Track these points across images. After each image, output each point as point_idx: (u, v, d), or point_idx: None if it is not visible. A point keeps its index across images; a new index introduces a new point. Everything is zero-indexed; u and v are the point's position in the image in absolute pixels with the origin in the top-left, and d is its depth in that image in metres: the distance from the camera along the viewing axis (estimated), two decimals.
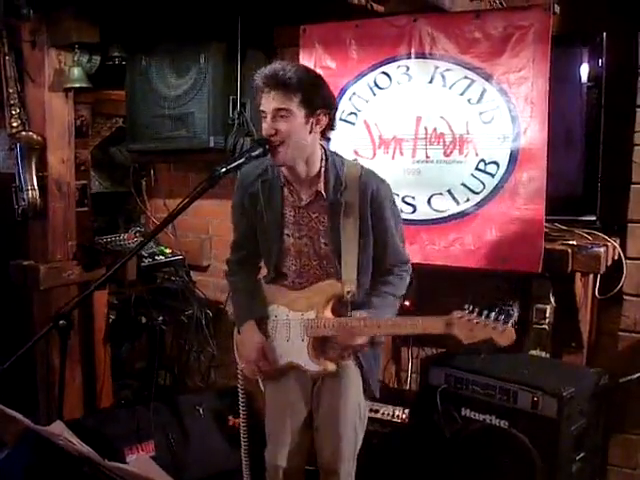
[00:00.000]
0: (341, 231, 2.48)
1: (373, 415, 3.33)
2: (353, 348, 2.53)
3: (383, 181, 2.54)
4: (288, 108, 2.32)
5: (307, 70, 2.48)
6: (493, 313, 2.27)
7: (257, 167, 2.54)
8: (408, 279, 2.65)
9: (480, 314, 2.27)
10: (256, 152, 2.36)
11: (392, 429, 3.33)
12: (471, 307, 2.29)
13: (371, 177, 2.52)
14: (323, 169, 2.48)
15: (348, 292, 2.49)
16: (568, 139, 3.13)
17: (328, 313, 2.53)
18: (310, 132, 2.39)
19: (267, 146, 2.36)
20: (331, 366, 2.55)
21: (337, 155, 2.57)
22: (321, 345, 2.57)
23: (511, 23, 2.97)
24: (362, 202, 2.47)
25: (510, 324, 2.30)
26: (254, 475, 2.92)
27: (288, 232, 2.56)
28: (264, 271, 2.75)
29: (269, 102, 2.33)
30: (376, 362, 2.72)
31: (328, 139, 2.52)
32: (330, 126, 2.46)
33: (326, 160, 2.50)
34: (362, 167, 2.55)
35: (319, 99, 2.38)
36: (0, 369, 2.09)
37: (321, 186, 2.48)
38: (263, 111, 2.37)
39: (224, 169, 2.28)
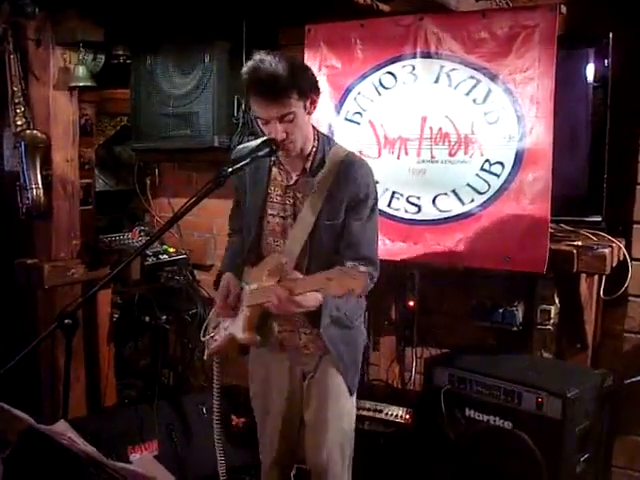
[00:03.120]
0: (302, 207, 2.48)
1: (377, 415, 3.33)
2: (284, 311, 2.41)
3: (363, 166, 2.51)
4: (291, 111, 2.32)
5: (290, 62, 2.34)
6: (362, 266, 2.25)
7: (247, 146, 2.52)
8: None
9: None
10: (262, 152, 2.36)
11: (396, 429, 3.33)
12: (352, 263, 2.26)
13: (353, 163, 2.49)
14: (314, 149, 2.49)
15: (283, 263, 2.46)
16: (574, 139, 3.11)
17: (269, 283, 2.45)
18: (308, 114, 2.42)
19: (274, 146, 2.36)
20: (254, 336, 2.52)
21: (328, 137, 2.59)
22: (259, 316, 2.52)
23: (517, 23, 2.95)
24: (337, 184, 2.44)
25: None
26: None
27: (273, 212, 2.56)
28: None
29: (269, 111, 2.32)
30: (348, 352, 2.61)
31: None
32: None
33: (317, 140, 2.51)
34: (349, 153, 2.54)
35: (308, 85, 2.38)
36: (4, 368, 2.09)
37: (308, 165, 2.49)
38: (262, 118, 2.36)
39: (230, 169, 2.27)
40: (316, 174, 2.47)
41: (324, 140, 2.53)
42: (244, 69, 2.35)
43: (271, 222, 2.57)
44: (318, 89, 2.44)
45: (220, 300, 2.60)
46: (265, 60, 2.30)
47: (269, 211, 2.56)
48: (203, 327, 2.80)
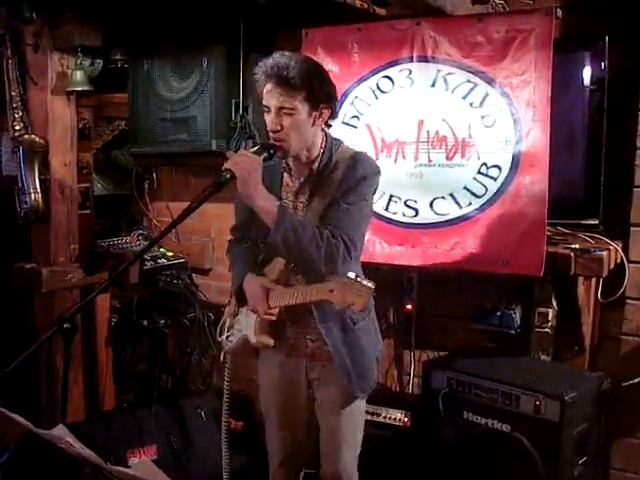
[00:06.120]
0: (311, 204, 2.48)
1: (375, 419, 3.33)
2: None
3: (368, 160, 2.50)
4: (292, 106, 2.32)
5: (310, 65, 2.42)
6: (365, 280, 2.17)
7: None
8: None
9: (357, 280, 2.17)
10: (261, 156, 2.36)
11: (394, 433, 3.33)
12: (353, 275, 2.18)
13: (358, 157, 2.47)
14: (322, 151, 2.50)
15: (283, 267, 2.49)
16: (570, 142, 3.12)
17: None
18: (313, 125, 2.41)
19: (272, 150, 2.37)
20: (267, 340, 2.53)
21: (336, 140, 2.56)
22: (270, 320, 2.53)
23: (513, 27, 2.97)
24: (344, 179, 2.43)
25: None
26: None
27: None
28: None
29: (273, 98, 2.33)
30: (352, 356, 2.53)
31: (329, 126, 2.54)
32: (332, 116, 2.48)
33: (325, 144, 2.51)
34: (357, 151, 2.52)
35: (322, 94, 2.38)
36: (3, 372, 2.08)
37: (315, 165, 2.50)
38: (266, 106, 2.37)
39: (230, 174, 2.27)
40: (323, 175, 2.48)
41: (332, 142, 2.53)
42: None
43: None
44: (330, 106, 2.43)
45: (262, 300, 2.52)
46: (287, 54, 2.36)
47: None
48: (219, 327, 2.81)
